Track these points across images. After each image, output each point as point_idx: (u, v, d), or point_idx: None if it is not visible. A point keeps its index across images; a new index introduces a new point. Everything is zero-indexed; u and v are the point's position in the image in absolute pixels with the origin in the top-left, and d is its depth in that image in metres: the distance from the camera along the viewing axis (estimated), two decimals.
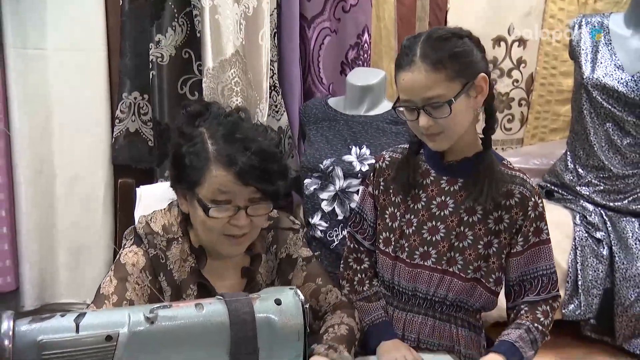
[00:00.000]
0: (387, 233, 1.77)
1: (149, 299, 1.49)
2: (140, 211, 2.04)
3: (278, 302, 1.19)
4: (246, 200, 1.47)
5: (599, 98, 2.33)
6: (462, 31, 1.59)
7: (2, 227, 2.52)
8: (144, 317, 1.09)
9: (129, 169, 2.60)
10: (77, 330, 1.04)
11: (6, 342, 0.99)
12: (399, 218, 1.75)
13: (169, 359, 1.11)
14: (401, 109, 1.61)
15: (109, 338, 1.05)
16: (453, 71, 1.53)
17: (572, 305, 2.24)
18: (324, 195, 2.29)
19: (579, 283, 2.23)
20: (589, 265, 2.25)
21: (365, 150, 2.24)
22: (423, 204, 1.72)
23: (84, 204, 2.62)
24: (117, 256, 1.55)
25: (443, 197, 1.70)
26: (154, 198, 1.96)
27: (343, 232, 2.23)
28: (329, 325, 1.60)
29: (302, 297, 1.21)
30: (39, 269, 2.60)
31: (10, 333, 0.99)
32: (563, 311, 2.24)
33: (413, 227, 1.73)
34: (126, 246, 1.56)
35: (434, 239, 1.71)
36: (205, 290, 1.56)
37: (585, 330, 2.32)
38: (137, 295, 1.48)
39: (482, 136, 1.68)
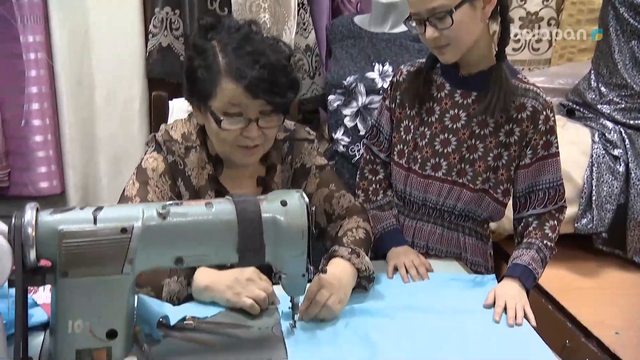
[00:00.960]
0: (402, 145, 1.81)
1: None
2: None
3: (284, 203, 1.24)
4: (257, 112, 1.48)
5: (626, 15, 2.27)
6: None
7: (46, 134, 2.59)
8: (157, 212, 1.16)
9: (163, 82, 2.62)
10: (95, 222, 1.11)
11: (29, 230, 1.07)
12: (412, 130, 1.78)
13: (180, 252, 1.18)
14: (413, 24, 1.63)
15: (124, 230, 1.12)
16: None
17: (585, 220, 2.25)
18: (346, 111, 2.30)
19: (593, 198, 2.24)
20: (605, 181, 2.25)
21: (388, 67, 2.24)
22: (436, 116, 1.74)
23: (121, 115, 2.67)
24: (140, 161, 1.60)
25: (456, 110, 1.72)
26: (185, 110, 1.96)
27: None
28: (347, 229, 1.63)
29: (306, 199, 1.26)
30: (81, 174, 2.68)
31: (34, 222, 1.07)
32: (576, 225, 2.25)
33: (426, 140, 1.76)
34: (147, 152, 1.62)
35: (445, 150, 1.74)
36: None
37: (597, 243, 2.34)
38: (158, 198, 1.52)
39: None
